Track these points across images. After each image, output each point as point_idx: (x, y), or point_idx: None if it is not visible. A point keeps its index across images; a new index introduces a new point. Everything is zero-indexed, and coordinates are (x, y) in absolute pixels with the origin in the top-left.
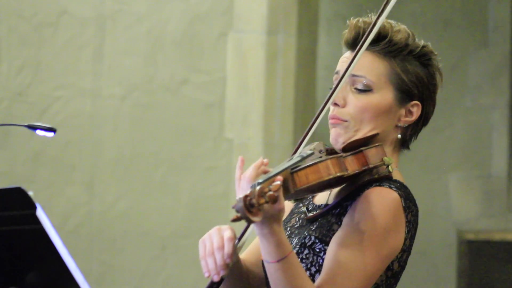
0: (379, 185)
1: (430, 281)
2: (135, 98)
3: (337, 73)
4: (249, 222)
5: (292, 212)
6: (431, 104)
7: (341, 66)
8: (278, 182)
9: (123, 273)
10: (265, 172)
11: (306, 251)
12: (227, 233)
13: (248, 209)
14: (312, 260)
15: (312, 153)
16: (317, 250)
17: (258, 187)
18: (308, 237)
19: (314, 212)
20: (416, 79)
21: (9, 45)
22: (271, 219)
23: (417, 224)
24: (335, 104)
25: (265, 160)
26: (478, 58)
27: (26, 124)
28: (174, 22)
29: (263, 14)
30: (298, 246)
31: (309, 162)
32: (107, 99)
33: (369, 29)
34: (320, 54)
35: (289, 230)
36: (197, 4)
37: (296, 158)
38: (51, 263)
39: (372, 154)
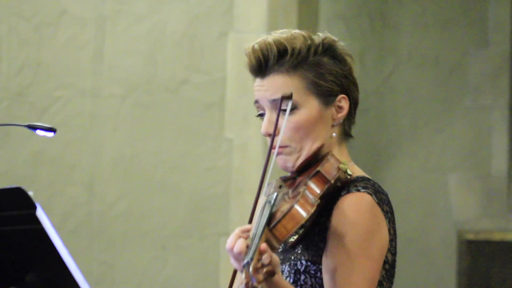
0: (348, 192)
1: (430, 281)
2: (135, 98)
3: (257, 102)
4: None
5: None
6: (355, 89)
7: (258, 95)
8: (267, 254)
9: (123, 273)
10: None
11: (302, 277)
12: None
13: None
14: (312, 283)
15: (277, 195)
16: (313, 272)
17: (251, 268)
18: (298, 262)
19: (294, 237)
20: (332, 76)
21: (9, 45)
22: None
23: (392, 207)
24: (270, 135)
25: (247, 226)
26: (478, 58)
27: (26, 124)
28: (174, 22)
29: (263, 14)
30: (292, 274)
31: (280, 213)
32: (107, 99)
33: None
34: None
35: (282, 260)
36: (197, 4)
37: (266, 209)
38: (51, 263)
39: (328, 169)
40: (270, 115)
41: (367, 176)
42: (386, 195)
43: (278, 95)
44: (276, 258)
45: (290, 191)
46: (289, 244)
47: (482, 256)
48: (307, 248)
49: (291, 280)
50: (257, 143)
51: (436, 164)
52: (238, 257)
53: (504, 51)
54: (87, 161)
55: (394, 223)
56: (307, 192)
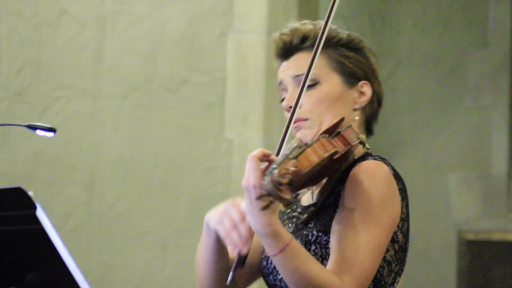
0: (364, 160)
1: (430, 281)
2: (135, 98)
3: (281, 83)
4: (282, 200)
5: (282, 220)
6: (377, 84)
7: (283, 75)
8: (294, 160)
9: (123, 273)
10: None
11: (313, 247)
12: (243, 204)
13: (278, 188)
14: (322, 253)
15: (297, 146)
16: (324, 242)
17: (276, 170)
18: (309, 234)
19: (306, 214)
20: (355, 61)
21: (9, 45)
22: (268, 209)
23: (407, 194)
24: (291, 107)
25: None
26: (478, 58)
27: (26, 124)
28: (174, 22)
29: (263, 14)
30: (303, 245)
31: (303, 147)
32: (107, 99)
33: (321, 32)
34: None
35: (295, 236)
36: (197, 4)
37: (287, 151)
38: (51, 263)
39: (349, 134)
40: (292, 91)
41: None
42: (403, 180)
43: (301, 71)
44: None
45: None
46: (301, 221)
47: (482, 256)
48: (320, 219)
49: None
50: (257, 143)
51: (436, 164)
52: (254, 163)
53: (504, 51)
54: (87, 161)
55: (407, 207)
56: (330, 140)
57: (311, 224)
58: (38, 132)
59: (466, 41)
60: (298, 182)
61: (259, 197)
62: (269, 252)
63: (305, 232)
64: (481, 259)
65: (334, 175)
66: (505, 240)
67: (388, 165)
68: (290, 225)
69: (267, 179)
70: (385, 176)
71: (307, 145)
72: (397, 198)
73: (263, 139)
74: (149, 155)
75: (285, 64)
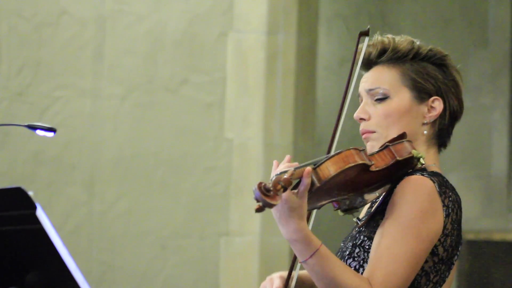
0: (412, 174)
1: None
2: (135, 98)
3: (359, 95)
4: (269, 206)
5: (353, 227)
6: (455, 99)
7: (361, 87)
8: (292, 169)
9: (123, 273)
10: None
11: (357, 250)
12: (276, 282)
13: (264, 193)
14: (364, 257)
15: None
16: (367, 247)
17: (275, 176)
18: (358, 237)
19: (364, 220)
20: (429, 77)
21: (9, 45)
22: (295, 214)
23: (459, 210)
24: (361, 119)
25: (288, 156)
26: (478, 58)
27: (26, 124)
28: (174, 22)
29: (263, 14)
30: (350, 247)
31: (327, 156)
32: (107, 99)
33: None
34: (320, 54)
35: (350, 239)
36: (197, 4)
37: (323, 157)
38: (51, 263)
39: (399, 149)
40: (364, 103)
41: (443, 176)
42: (456, 196)
43: (374, 85)
44: (305, 196)
45: None
46: (359, 225)
47: (482, 256)
48: (368, 226)
49: (347, 252)
50: (257, 143)
51: None
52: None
53: (504, 51)
54: (87, 161)
55: (457, 224)
56: (366, 153)
57: (363, 228)
58: (38, 132)
59: (466, 41)
60: (318, 190)
61: (255, 200)
62: (300, 258)
63: (356, 235)
64: (481, 259)
65: (392, 181)
66: (505, 240)
67: (435, 182)
68: (355, 229)
69: (256, 185)
70: (428, 191)
71: (331, 155)
72: (439, 214)
73: (263, 139)
74: (149, 155)
75: (364, 76)
